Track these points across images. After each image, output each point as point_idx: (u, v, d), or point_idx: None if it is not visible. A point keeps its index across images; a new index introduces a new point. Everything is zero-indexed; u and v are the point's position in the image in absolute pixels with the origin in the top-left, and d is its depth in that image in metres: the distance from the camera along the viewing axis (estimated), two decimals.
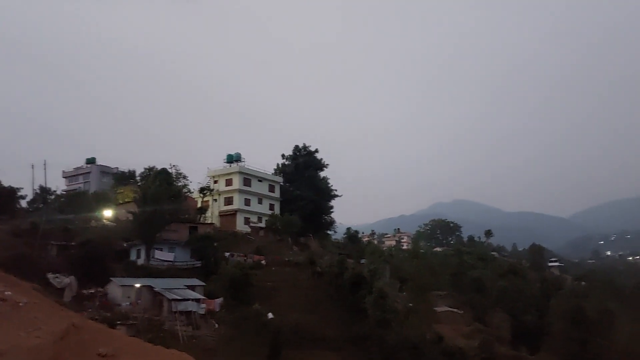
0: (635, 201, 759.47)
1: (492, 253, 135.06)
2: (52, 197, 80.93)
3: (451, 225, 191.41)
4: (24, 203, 72.90)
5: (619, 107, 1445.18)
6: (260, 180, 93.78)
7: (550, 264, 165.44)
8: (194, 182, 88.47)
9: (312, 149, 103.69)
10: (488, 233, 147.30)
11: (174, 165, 79.66)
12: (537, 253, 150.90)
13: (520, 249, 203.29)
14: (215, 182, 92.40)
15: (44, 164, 59.32)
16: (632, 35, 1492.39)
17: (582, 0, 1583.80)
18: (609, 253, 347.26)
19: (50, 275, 44.89)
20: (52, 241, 52.89)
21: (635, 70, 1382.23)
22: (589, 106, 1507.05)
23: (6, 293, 22.61)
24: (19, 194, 66.71)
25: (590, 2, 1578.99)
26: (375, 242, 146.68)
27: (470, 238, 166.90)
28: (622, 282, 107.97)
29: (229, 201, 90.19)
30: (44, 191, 75.31)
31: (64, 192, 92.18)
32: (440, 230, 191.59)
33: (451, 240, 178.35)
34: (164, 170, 74.76)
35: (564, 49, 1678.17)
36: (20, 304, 25.71)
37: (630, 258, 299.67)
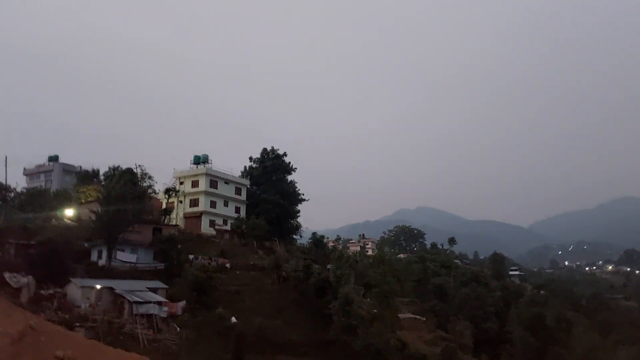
0: (592, 212, 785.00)
1: (455, 261, 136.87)
2: (12, 194, 78.51)
3: (415, 232, 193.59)
4: None
5: (579, 120, 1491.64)
6: (227, 183, 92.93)
7: (511, 273, 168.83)
8: (160, 182, 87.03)
9: (281, 152, 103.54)
10: (451, 241, 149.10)
11: (139, 165, 78.25)
12: (498, 261, 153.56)
13: (481, 257, 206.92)
14: (181, 183, 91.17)
15: (5, 160, 57.34)
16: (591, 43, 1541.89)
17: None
18: (566, 263, 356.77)
19: (7, 275, 43.38)
20: (10, 240, 51.18)
21: (604, 74, 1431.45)
22: (548, 119, 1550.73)
23: None
24: None
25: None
26: (340, 247, 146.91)
27: (434, 245, 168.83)
28: (579, 291, 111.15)
29: (194, 203, 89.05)
30: (3, 188, 72.91)
31: (25, 190, 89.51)
32: (404, 236, 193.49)
33: (415, 247, 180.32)
34: (128, 170, 73.33)
35: (527, 55, 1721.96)
36: None
37: (587, 268, 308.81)
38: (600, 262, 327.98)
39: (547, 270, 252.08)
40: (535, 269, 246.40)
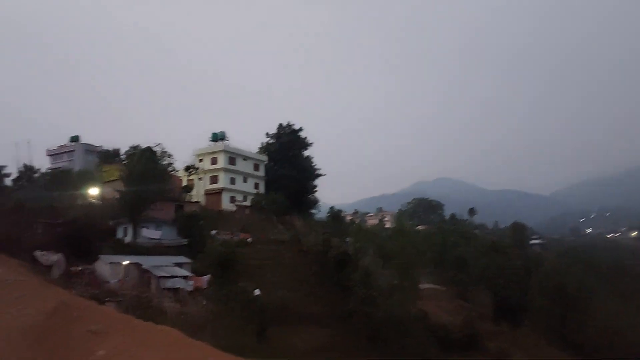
0: (615, 179, 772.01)
1: (475, 231, 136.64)
2: (37, 175, 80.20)
3: (433, 203, 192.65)
4: (8, 181, 72.22)
5: (601, 84, 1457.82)
6: (245, 159, 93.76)
7: (532, 242, 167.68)
8: (179, 160, 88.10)
9: (296, 127, 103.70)
10: (471, 211, 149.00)
11: (158, 144, 79.11)
12: (519, 230, 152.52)
13: (501, 227, 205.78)
14: (200, 160, 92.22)
15: (28, 142, 58.59)
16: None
17: None
18: (589, 230, 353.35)
19: (37, 253, 44.76)
20: (38, 219, 52.52)
21: (623, 48, 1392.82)
22: (569, 82, 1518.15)
23: None
24: (3, 172, 66.00)
25: None
26: (358, 221, 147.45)
27: (452, 216, 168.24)
28: (601, 259, 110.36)
29: (214, 180, 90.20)
30: (28, 169, 74.54)
31: (49, 170, 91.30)
32: (423, 208, 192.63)
33: (433, 219, 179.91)
34: (148, 149, 74.14)
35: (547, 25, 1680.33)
36: (8, 281, 25.75)
37: (610, 235, 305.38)
38: (624, 229, 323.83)
39: (568, 239, 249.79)
40: (557, 237, 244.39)
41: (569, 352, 62.33)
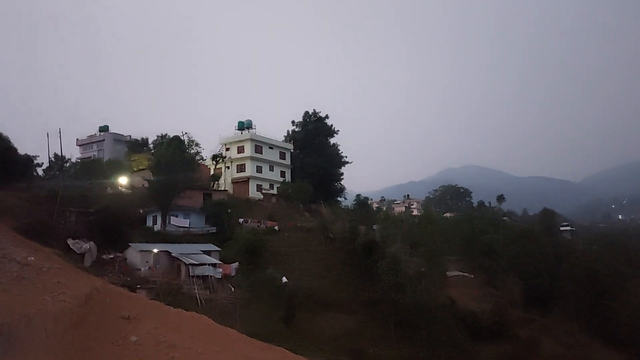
0: None
1: (503, 218, 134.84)
2: (68, 164, 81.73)
3: (461, 190, 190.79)
4: (40, 171, 73.77)
5: (635, 70, 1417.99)
6: (271, 148, 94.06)
7: (562, 229, 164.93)
8: (206, 149, 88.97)
9: (322, 115, 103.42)
10: (500, 198, 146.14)
11: (186, 133, 79.88)
12: (549, 217, 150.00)
13: (530, 214, 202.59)
14: (227, 149, 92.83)
15: (59, 132, 59.56)
16: None
17: None
18: (620, 217, 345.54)
19: (70, 241, 45.76)
20: (70, 208, 53.55)
21: None
22: (602, 67, 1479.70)
23: (29, 258, 23.18)
24: (35, 162, 67.35)
25: None
26: (385, 208, 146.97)
27: (481, 203, 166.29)
28: (634, 245, 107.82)
29: (241, 168, 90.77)
30: (59, 159, 75.97)
31: (79, 160, 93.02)
32: (450, 196, 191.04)
33: (461, 206, 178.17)
34: (176, 138, 74.90)
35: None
36: (44, 269, 26.40)
37: None
38: None
39: (599, 225, 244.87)
40: (588, 224, 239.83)
41: (600, 339, 61.30)
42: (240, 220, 65.67)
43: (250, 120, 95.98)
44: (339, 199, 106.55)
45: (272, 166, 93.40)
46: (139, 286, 41.32)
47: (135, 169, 76.97)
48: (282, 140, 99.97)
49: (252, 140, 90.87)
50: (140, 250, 48.47)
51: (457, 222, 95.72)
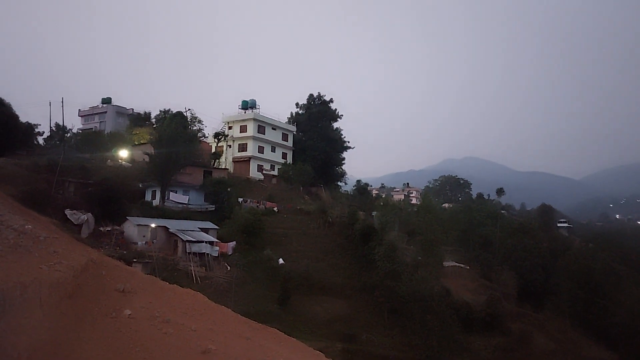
0: None
1: (502, 211, 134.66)
2: (69, 135, 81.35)
3: (461, 182, 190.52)
4: (41, 140, 73.46)
5: (637, 71, 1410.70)
6: (274, 129, 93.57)
7: (559, 225, 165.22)
8: (209, 127, 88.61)
9: (327, 98, 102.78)
10: (499, 191, 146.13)
11: (189, 109, 79.54)
12: (547, 213, 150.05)
13: (529, 209, 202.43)
14: (230, 128, 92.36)
15: (62, 102, 59.08)
16: None
17: None
18: (618, 216, 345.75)
19: (68, 212, 45.65)
20: (69, 178, 53.37)
21: None
22: (606, 68, 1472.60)
23: (26, 227, 23.06)
24: (37, 130, 67.01)
25: None
26: (384, 195, 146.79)
27: (480, 195, 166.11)
28: (630, 245, 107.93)
29: (243, 148, 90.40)
30: (60, 129, 75.60)
31: (80, 131, 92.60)
32: (450, 186, 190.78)
33: (460, 197, 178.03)
34: (179, 114, 74.70)
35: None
36: (41, 237, 26.22)
37: None
38: None
39: (597, 223, 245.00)
40: (585, 222, 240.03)
41: (592, 337, 61.61)
42: (240, 199, 65.53)
43: (255, 100, 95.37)
44: (339, 183, 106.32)
45: (274, 147, 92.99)
46: (135, 260, 41.28)
47: (136, 143, 76.61)
48: (286, 122, 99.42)
49: (255, 120, 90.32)
50: (137, 224, 48.39)
51: (456, 213, 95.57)
